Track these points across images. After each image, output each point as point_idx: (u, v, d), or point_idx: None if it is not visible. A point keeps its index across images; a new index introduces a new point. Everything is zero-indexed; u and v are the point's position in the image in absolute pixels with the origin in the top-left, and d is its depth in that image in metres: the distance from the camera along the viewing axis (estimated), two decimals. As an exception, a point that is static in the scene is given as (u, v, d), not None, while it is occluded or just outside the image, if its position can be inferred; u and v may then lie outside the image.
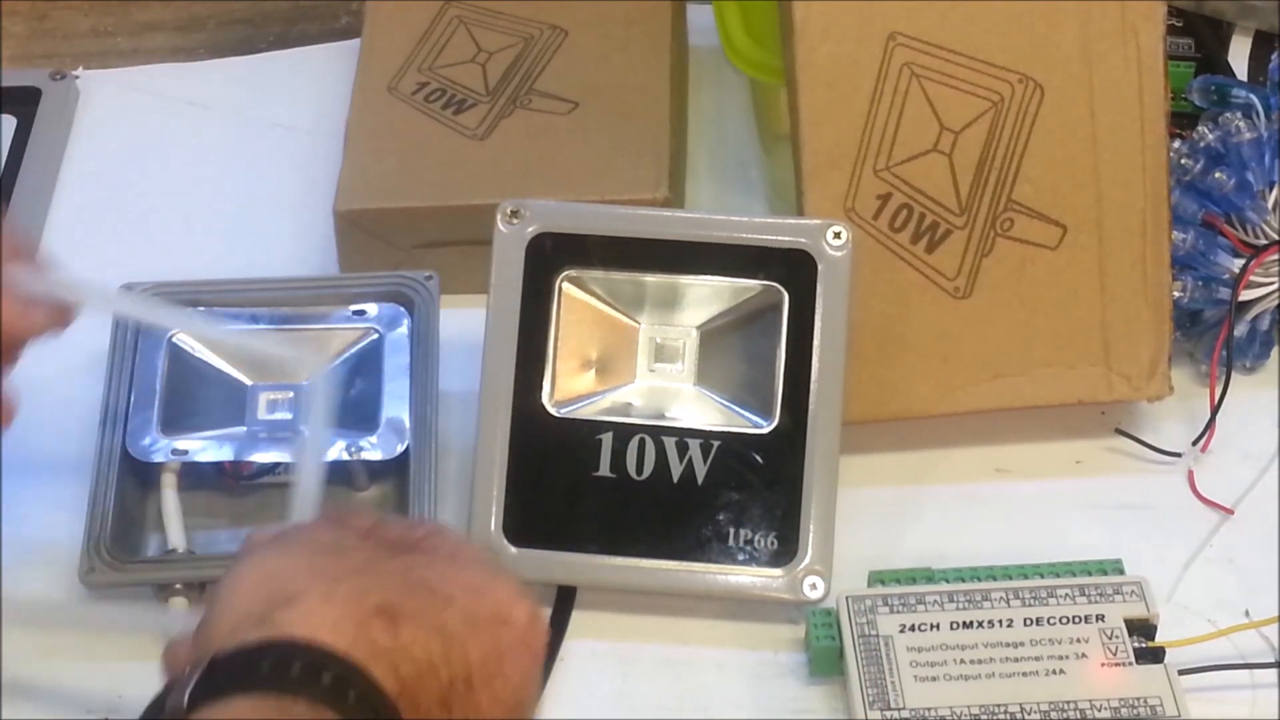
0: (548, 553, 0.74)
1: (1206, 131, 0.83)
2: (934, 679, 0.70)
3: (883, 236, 0.78)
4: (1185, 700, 0.69)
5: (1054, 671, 0.70)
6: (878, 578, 0.74)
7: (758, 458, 0.75)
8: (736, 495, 0.74)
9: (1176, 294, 0.80)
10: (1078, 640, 0.71)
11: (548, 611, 0.74)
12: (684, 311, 0.77)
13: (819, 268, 0.75)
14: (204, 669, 0.56)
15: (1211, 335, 0.83)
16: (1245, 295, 0.81)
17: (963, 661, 0.70)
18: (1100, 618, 0.71)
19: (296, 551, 0.62)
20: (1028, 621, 0.71)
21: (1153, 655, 0.70)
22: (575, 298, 0.77)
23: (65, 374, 0.83)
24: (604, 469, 0.75)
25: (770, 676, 0.74)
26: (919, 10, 0.77)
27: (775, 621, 0.75)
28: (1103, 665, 0.70)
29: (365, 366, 0.80)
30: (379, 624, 0.58)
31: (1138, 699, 0.69)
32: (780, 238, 0.76)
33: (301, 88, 1.00)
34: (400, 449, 0.77)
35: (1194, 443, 0.81)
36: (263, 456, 0.78)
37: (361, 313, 0.81)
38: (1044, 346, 0.79)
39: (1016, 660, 0.70)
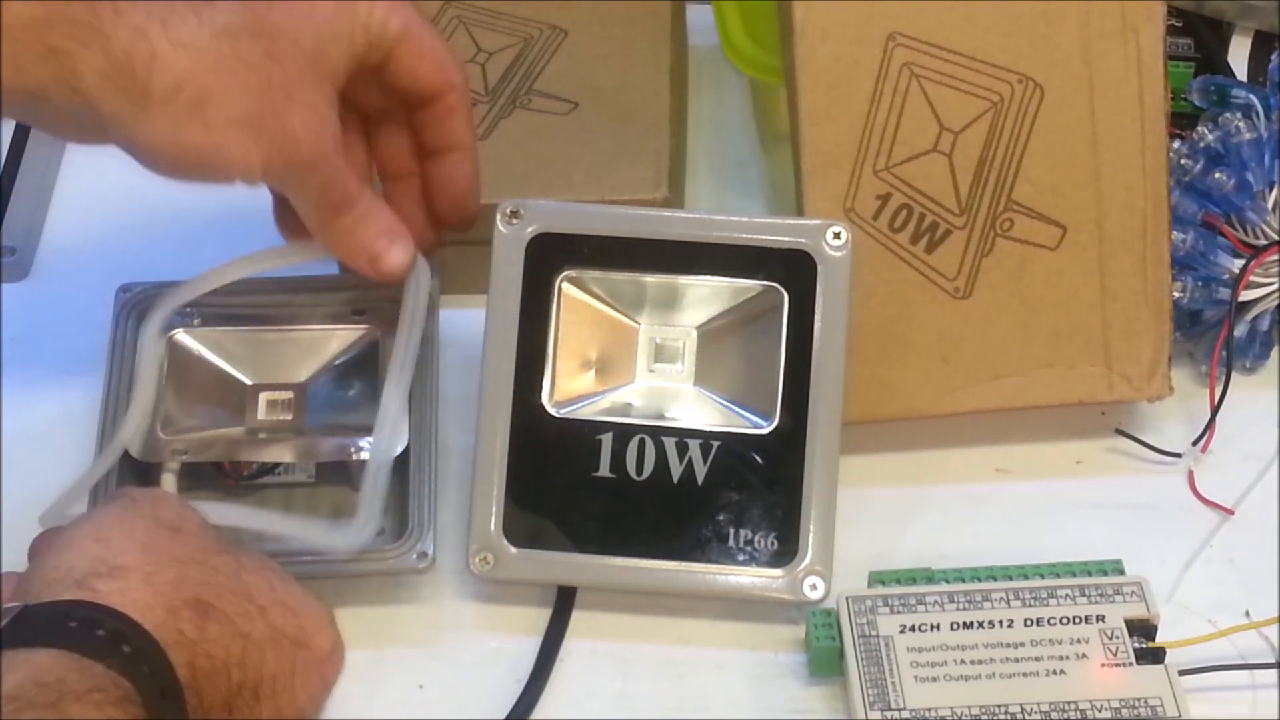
0: (548, 553, 0.74)
1: (1206, 131, 0.83)
2: (934, 679, 0.70)
3: (882, 237, 0.78)
4: (1185, 700, 0.69)
5: (1054, 672, 0.70)
6: (878, 578, 0.74)
7: (758, 458, 0.75)
8: (736, 495, 0.74)
9: (1176, 294, 0.80)
10: (1078, 640, 0.71)
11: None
12: (684, 312, 0.77)
13: (819, 268, 0.75)
14: (14, 615, 0.59)
15: (1211, 335, 0.83)
16: (1245, 295, 0.81)
17: (963, 662, 0.70)
18: (1100, 618, 0.71)
19: (136, 522, 0.64)
20: (1028, 622, 0.71)
21: (1153, 655, 0.70)
22: (575, 298, 0.77)
23: (65, 374, 0.83)
24: (604, 469, 0.75)
25: (770, 677, 0.74)
26: (919, 10, 0.77)
27: (775, 622, 0.75)
28: (1103, 666, 0.70)
29: (365, 367, 0.80)
30: (188, 615, 0.61)
31: (1138, 699, 0.69)
32: (780, 238, 0.76)
33: (301, 88, 0.99)
34: (400, 449, 0.76)
35: (1194, 443, 0.81)
36: (263, 456, 0.78)
37: (361, 313, 0.81)
38: (1044, 347, 0.79)
39: (1017, 661, 0.70)
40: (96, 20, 0.63)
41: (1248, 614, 0.75)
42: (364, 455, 0.76)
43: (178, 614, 0.60)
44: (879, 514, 0.79)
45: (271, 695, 0.63)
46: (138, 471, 0.77)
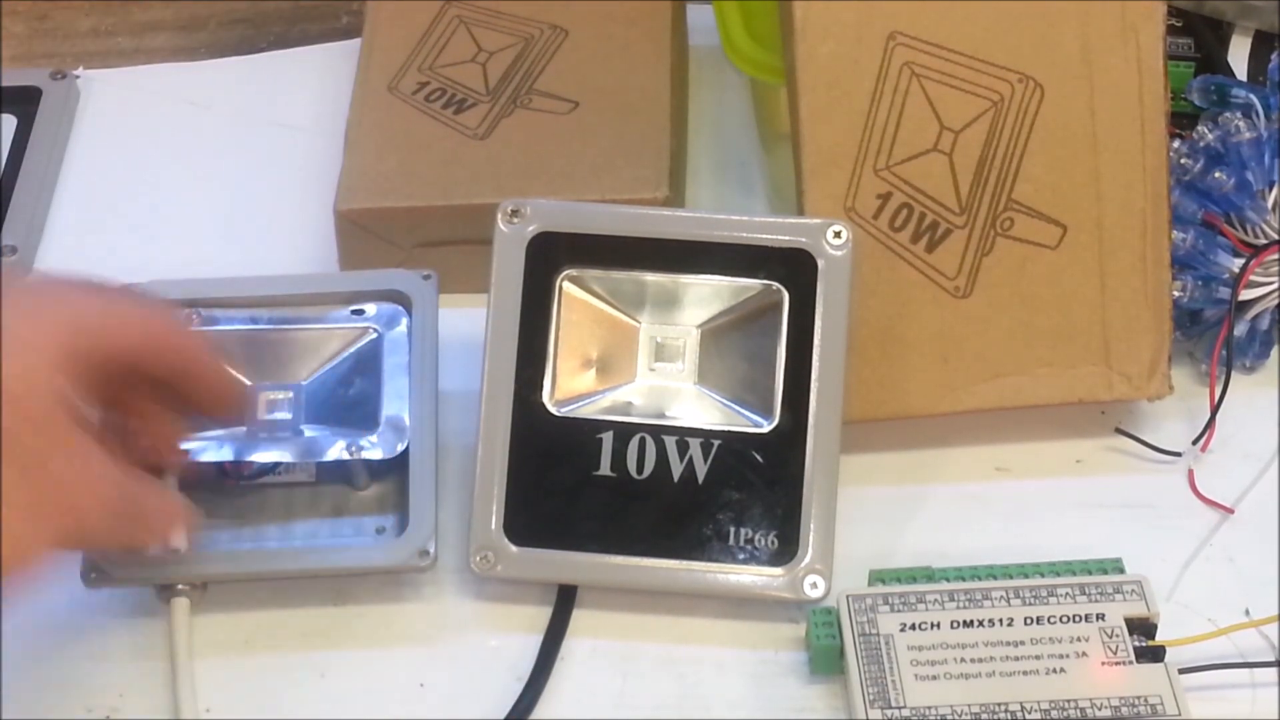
0: (548, 552, 0.74)
1: (1206, 131, 0.84)
2: (934, 678, 0.70)
3: (883, 236, 0.78)
4: (1185, 699, 0.69)
5: (1054, 670, 0.70)
6: (878, 577, 0.74)
7: (758, 457, 0.75)
8: (737, 494, 0.74)
9: (1176, 294, 0.80)
10: (1078, 639, 0.71)
11: (547, 621, 0.75)
12: (684, 311, 0.78)
13: (819, 267, 0.75)
14: None
15: (1211, 335, 0.83)
16: (1245, 295, 0.81)
17: (963, 660, 0.70)
18: (1100, 617, 0.71)
19: None
20: (1028, 620, 0.71)
21: (1153, 654, 0.70)
22: (575, 297, 0.77)
23: (66, 373, 0.83)
24: (604, 468, 0.75)
25: (770, 676, 0.74)
26: (919, 10, 0.77)
27: (776, 621, 0.75)
28: (1103, 664, 0.70)
29: (365, 366, 0.80)
30: None
31: (1138, 698, 0.69)
32: (780, 237, 0.76)
33: (301, 88, 1.00)
34: (400, 448, 0.76)
35: (1194, 442, 0.81)
36: (263, 456, 0.77)
37: (361, 312, 0.81)
38: (1044, 346, 0.79)
39: (1017, 659, 0.70)
40: None
41: (1248, 613, 0.75)
42: (364, 454, 0.76)
43: None
44: (879, 513, 0.79)
45: None
46: (138, 471, 0.77)
